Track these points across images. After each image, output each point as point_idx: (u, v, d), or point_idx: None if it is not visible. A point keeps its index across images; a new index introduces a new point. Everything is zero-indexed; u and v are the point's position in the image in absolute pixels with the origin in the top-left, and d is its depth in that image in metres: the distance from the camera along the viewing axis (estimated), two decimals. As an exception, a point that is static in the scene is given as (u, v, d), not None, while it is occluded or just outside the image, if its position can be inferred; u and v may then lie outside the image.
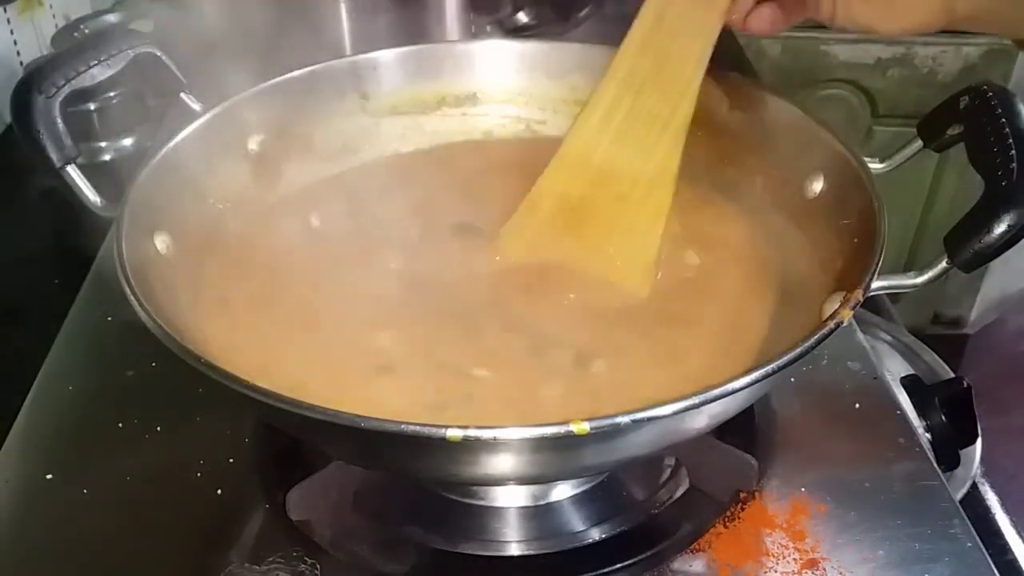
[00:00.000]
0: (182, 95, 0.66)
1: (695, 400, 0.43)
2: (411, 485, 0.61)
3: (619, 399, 0.53)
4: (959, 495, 0.69)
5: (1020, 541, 0.69)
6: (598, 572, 0.55)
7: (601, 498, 0.60)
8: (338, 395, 0.51)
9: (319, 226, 0.69)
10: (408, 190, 0.72)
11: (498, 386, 0.56)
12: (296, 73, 0.71)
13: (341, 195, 0.72)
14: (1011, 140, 0.51)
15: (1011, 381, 2.03)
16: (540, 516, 0.59)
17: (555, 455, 0.46)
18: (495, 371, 0.57)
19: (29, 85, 0.57)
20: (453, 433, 0.42)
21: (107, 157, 1.04)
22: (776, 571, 0.54)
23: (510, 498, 0.59)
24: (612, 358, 0.58)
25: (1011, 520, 0.71)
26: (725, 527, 0.57)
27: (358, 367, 0.57)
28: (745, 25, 0.65)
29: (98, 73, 0.60)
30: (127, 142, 1.05)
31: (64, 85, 0.58)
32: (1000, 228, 0.48)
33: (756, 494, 0.58)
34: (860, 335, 0.71)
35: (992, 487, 0.74)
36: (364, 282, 0.64)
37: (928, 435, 0.72)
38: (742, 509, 0.58)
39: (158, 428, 0.63)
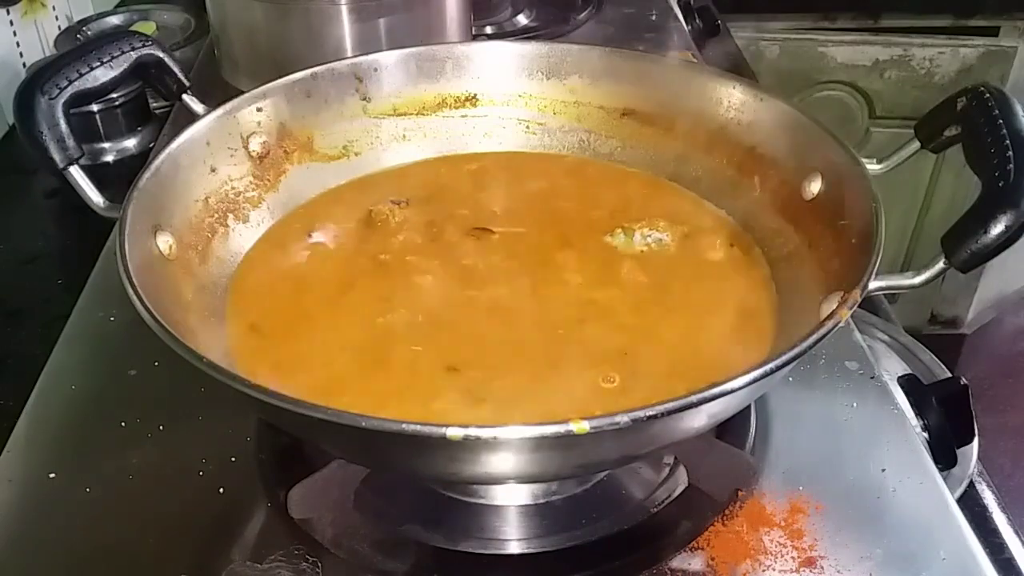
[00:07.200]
0: (184, 97, 0.66)
1: (694, 399, 0.44)
2: (412, 483, 0.61)
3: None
4: (956, 493, 0.70)
5: (1017, 539, 0.69)
6: (597, 570, 0.56)
7: (600, 496, 0.60)
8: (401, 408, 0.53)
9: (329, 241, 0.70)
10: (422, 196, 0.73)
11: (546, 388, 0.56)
12: (297, 75, 0.71)
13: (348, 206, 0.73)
14: (1008, 141, 0.51)
15: (1008, 380, 2.04)
16: (540, 514, 0.59)
17: (555, 454, 0.47)
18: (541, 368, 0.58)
19: (32, 86, 0.58)
20: (453, 432, 0.42)
21: (110, 158, 1.05)
22: (774, 569, 0.54)
23: (510, 496, 0.59)
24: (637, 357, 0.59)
25: (1008, 518, 0.71)
26: (723, 525, 0.57)
27: (418, 380, 0.57)
28: None
29: (101, 75, 0.61)
30: (130, 143, 1.06)
31: (67, 86, 0.58)
32: (997, 229, 0.49)
33: (754, 493, 0.59)
34: (858, 335, 0.71)
35: (989, 486, 0.74)
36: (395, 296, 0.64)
37: (925, 434, 0.72)
38: (740, 508, 0.58)
39: (160, 427, 0.64)
